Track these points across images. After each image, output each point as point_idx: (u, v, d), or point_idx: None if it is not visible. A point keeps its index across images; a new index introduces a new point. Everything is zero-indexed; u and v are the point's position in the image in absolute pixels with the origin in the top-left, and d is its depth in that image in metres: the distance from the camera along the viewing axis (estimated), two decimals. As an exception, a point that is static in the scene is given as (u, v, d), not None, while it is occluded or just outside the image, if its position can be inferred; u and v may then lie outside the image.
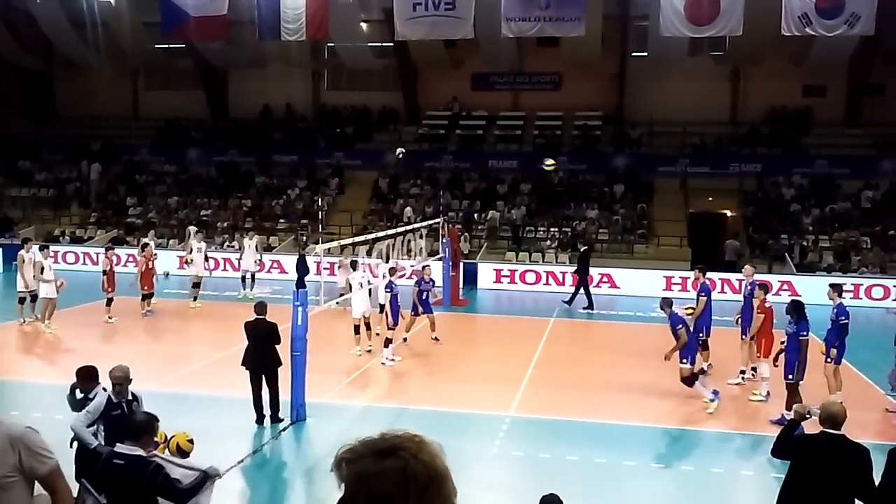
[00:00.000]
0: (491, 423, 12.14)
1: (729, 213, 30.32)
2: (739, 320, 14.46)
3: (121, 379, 7.65)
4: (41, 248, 18.58)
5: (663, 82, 31.89)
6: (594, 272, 25.58)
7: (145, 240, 22.50)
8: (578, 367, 15.80)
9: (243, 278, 22.67)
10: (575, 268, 22.89)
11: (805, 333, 11.80)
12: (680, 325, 12.80)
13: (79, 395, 8.02)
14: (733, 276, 22.64)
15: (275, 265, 26.32)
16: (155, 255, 20.89)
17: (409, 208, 29.90)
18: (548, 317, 21.11)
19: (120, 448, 6.18)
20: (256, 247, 23.00)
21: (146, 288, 19.58)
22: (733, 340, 14.70)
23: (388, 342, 15.43)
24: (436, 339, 17.10)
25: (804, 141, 31.62)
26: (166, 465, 6.23)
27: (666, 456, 11.38)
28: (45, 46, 35.00)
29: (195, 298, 21.06)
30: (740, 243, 27.80)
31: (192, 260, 21.49)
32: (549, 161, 17.19)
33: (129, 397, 7.71)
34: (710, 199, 30.06)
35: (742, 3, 24.34)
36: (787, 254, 26.89)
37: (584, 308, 21.71)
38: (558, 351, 17.47)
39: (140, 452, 6.10)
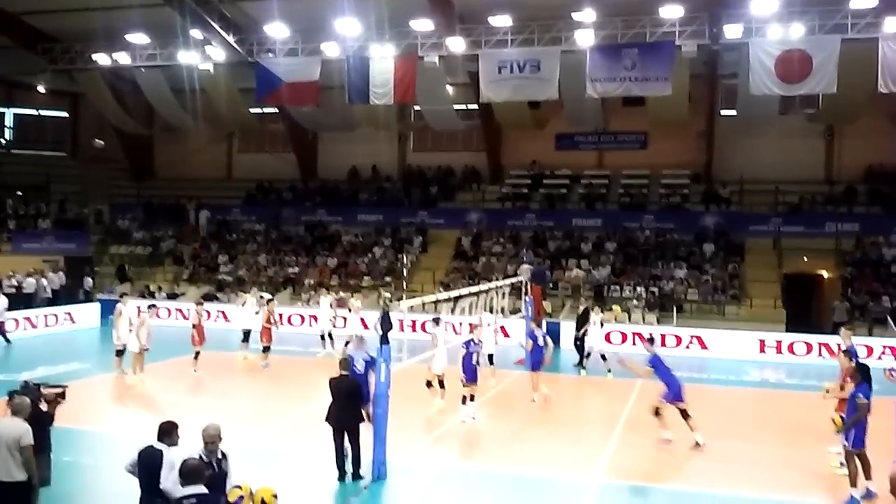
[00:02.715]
0: (577, 487, 11.75)
1: (826, 274, 29.17)
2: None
3: (213, 437, 7.67)
4: (149, 307, 19.31)
5: (754, 140, 31.31)
6: (684, 332, 24.94)
7: (267, 295, 22.95)
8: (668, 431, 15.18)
9: (322, 337, 22.74)
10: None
11: (862, 396, 11.02)
12: (651, 366, 14.10)
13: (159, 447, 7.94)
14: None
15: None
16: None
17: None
18: (634, 378, 20.49)
19: (186, 490, 6.80)
20: (331, 304, 23.03)
21: (265, 341, 20.32)
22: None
23: (464, 399, 15.27)
24: (533, 399, 16.81)
25: (905, 199, 30.35)
26: None
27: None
28: (148, 112, 36.88)
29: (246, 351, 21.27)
30: (840, 303, 26.60)
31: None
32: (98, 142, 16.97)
33: (220, 455, 7.70)
34: (805, 258, 29.02)
35: (836, 60, 23.80)
36: (888, 316, 25.58)
37: (575, 364, 21.42)
38: (646, 414, 16.88)
39: (205, 491, 6.78)
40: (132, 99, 35.58)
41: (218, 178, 39.34)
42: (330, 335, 22.72)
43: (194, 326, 19.50)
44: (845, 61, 23.79)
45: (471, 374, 15.31)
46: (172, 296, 31.57)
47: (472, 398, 15.37)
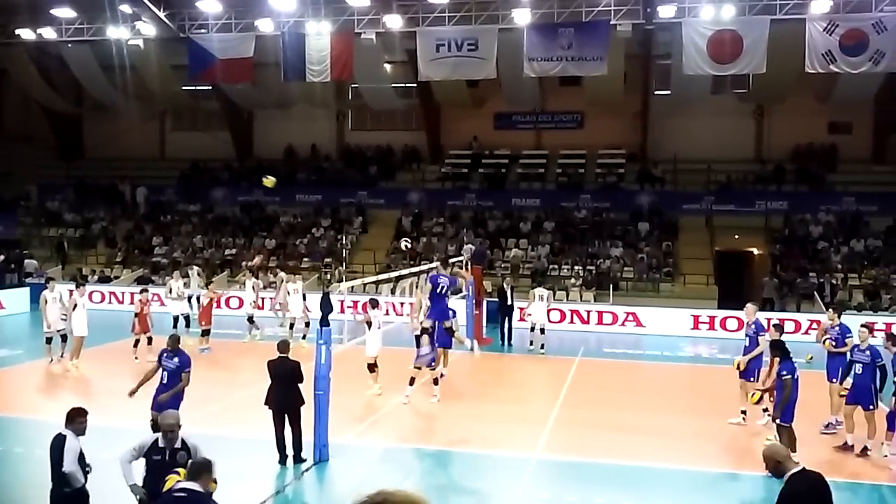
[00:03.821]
0: (516, 464, 11.92)
1: (756, 251, 30.01)
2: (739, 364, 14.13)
3: (170, 426, 7.74)
4: (77, 286, 18.66)
5: (687, 120, 31.88)
6: (620, 310, 25.45)
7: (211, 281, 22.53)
8: (605, 407, 15.54)
9: (249, 319, 22.01)
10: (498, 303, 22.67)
11: (786, 373, 11.42)
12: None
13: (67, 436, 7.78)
14: (772, 315, 22.29)
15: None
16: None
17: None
18: (573, 356, 20.90)
19: (184, 483, 6.55)
20: (254, 287, 22.17)
21: (204, 324, 20.19)
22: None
23: (412, 381, 15.33)
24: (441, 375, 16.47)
25: (830, 178, 31.36)
26: None
27: (695, 500, 11.08)
28: (76, 89, 35.71)
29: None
30: (769, 280, 27.42)
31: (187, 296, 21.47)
32: (269, 180, 17.37)
33: (178, 446, 7.69)
34: (737, 236, 29.80)
35: (765, 41, 24.33)
36: (815, 292, 26.48)
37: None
38: (585, 391, 17.23)
39: (202, 490, 6.49)
40: (59, 76, 34.33)
41: (150, 157, 38.34)
42: (251, 319, 21.94)
43: (136, 315, 19.00)
44: (774, 42, 24.36)
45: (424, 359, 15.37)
46: (105, 279, 30.80)
47: (434, 381, 15.50)
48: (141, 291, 19.77)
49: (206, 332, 20.34)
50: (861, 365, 12.38)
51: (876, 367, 12.29)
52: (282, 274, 22.95)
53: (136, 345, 18.80)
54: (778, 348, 11.72)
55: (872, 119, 31.21)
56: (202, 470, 6.61)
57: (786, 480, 6.19)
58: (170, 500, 6.55)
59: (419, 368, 15.06)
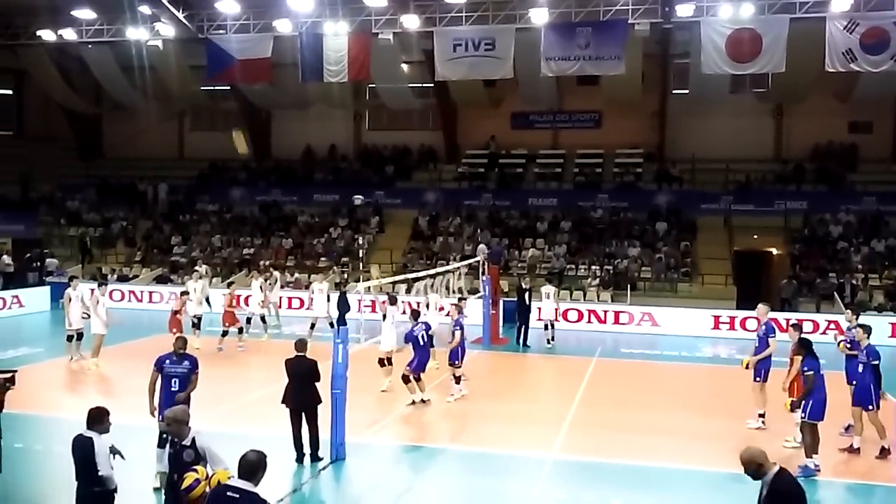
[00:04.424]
0: (533, 464, 11.89)
1: (775, 251, 29.80)
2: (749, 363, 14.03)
3: (169, 420, 7.69)
4: (99, 285, 18.76)
5: (705, 119, 31.72)
6: (636, 310, 25.35)
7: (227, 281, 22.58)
8: (622, 407, 15.48)
9: (262, 319, 21.93)
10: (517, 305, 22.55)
11: (807, 369, 11.34)
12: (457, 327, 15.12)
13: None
14: (791, 315, 22.19)
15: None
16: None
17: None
18: (590, 356, 20.84)
19: (235, 482, 6.34)
20: (261, 286, 22.11)
21: (227, 324, 20.26)
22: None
23: (457, 379, 15.47)
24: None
25: (851, 178, 31.09)
26: None
27: (710, 500, 11.01)
28: (95, 90, 36.02)
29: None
30: (787, 281, 27.21)
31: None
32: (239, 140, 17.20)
33: (187, 443, 7.55)
34: (756, 236, 29.60)
35: (785, 39, 24.16)
36: (835, 292, 26.24)
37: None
38: (601, 391, 17.18)
39: (255, 490, 6.28)
40: (79, 76, 34.66)
41: (169, 157, 38.62)
42: (263, 318, 21.94)
43: (175, 313, 19.05)
44: (794, 41, 24.17)
45: (454, 355, 15.45)
46: (124, 278, 31.05)
47: (457, 379, 15.52)
48: (182, 294, 19.90)
49: (226, 333, 20.35)
50: (862, 365, 12.30)
51: (871, 366, 12.20)
52: (276, 273, 22.98)
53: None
54: (802, 346, 11.63)
55: (893, 118, 30.92)
56: (256, 468, 6.33)
57: (769, 481, 6.36)
58: (222, 500, 6.30)
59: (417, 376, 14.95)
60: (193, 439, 7.61)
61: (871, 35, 23.64)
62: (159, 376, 10.56)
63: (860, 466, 12.03)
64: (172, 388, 10.47)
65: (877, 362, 12.23)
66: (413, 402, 14.75)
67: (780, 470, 6.40)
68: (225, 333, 20.37)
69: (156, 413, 10.41)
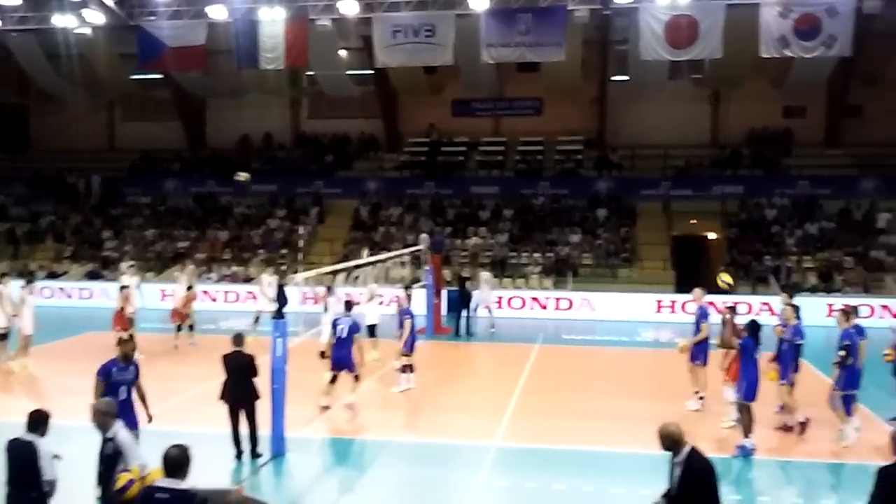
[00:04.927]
0: (476, 453, 11.78)
1: (713, 236, 30.26)
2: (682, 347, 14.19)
3: (94, 412, 7.49)
4: (27, 283, 17.92)
5: (644, 106, 31.99)
6: (576, 296, 25.47)
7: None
8: (564, 393, 15.51)
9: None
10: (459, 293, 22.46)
11: (747, 349, 11.53)
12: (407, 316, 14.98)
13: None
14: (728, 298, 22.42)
15: (250, 296, 25.43)
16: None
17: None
18: (533, 343, 20.84)
19: (163, 482, 6.15)
20: (187, 277, 21.14)
21: (178, 320, 19.50)
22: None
23: (407, 369, 15.19)
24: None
25: (785, 162, 31.72)
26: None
27: (654, 483, 11.00)
28: (21, 79, 34.63)
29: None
30: (724, 265, 27.64)
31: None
32: (243, 175, 17.07)
33: (109, 436, 7.38)
34: (693, 221, 30.00)
35: (721, 25, 24.47)
36: (771, 275, 26.76)
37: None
38: (543, 378, 17.17)
39: (185, 486, 6.11)
40: (3, 65, 33.22)
41: (100, 148, 37.41)
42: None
43: (121, 310, 18.08)
44: (730, 27, 24.49)
45: (408, 345, 15.14)
46: (53, 274, 30.00)
47: (409, 368, 15.22)
48: (122, 288, 18.88)
49: (180, 328, 19.59)
50: (787, 343, 12.58)
51: (795, 345, 12.49)
52: (190, 267, 22.22)
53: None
54: (749, 326, 11.72)
55: (826, 103, 31.60)
56: (180, 463, 6.14)
57: (683, 460, 6.52)
58: (151, 502, 6.07)
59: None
60: (114, 436, 7.40)
61: (804, 21, 24.11)
62: (104, 386, 9.58)
63: (796, 444, 12.20)
64: (121, 397, 9.50)
65: (801, 342, 12.46)
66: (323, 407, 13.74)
67: (692, 449, 6.54)
68: (179, 328, 19.55)
69: None
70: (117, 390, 9.62)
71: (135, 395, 9.96)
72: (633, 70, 29.19)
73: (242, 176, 17.24)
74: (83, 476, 9.01)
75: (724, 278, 14.92)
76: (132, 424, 9.37)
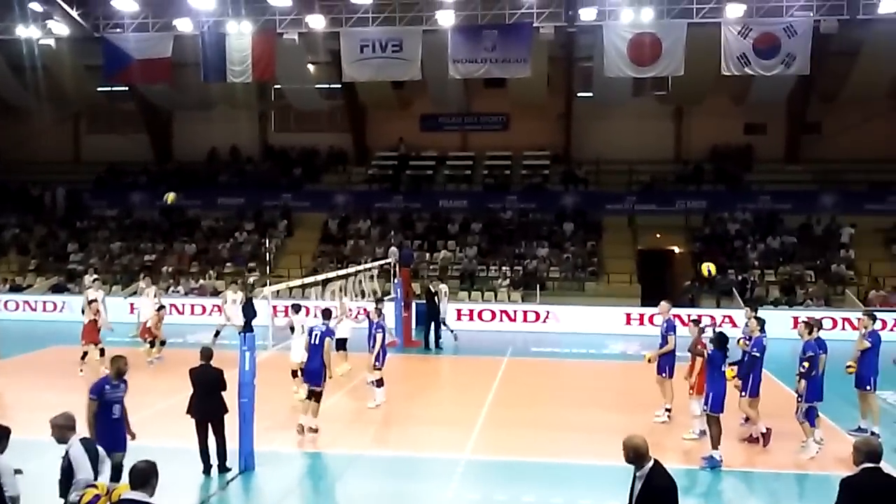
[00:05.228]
0: (446, 466, 11.85)
1: (677, 250, 30.71)
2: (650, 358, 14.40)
3: (51, 425, 7.46)
4: None
5: (609, 122, 32.45)
6: (543, 309, 25.68)
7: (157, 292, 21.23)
8: (533, 406, 15.62)
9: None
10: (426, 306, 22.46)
11: (715, 362, 11.82)
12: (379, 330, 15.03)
13: None
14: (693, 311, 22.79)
15: (217, 309, 25.13)
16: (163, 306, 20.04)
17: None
18: (502, 356, 20.97)
19: (130, 495, 6.18)
20: (155, 294, 20.89)
21: (149, 337, 19.27)
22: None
23: (380, 383, 15.10)
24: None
25: (747, 177, 32.35)
26: None
27: (621, 495, 11.14)
28: (-17, 90, 34.13)
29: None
30: (689, 280, 28.06)
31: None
32: (171, 195, 17.36)
33: (67, 448, 7.38)
34: (658, 235, 30.44)
35: (683, 44, 24.95)
36: (734, 289, 27.21)
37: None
38: (512, 390, 17.29)
39: (150, 500, 6.15)
40: (-36, 76, 32.82)
41: (65, 160, 36.98)
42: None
43: (93, 322, 17.78)
44: (692, 45, 24.99)
45: (379, 359, 15.06)
46: (17, 288, 29.55)
47: (380, 382, 15.15)
48: (90, 302, 18.55)
49: (153, 343, 19.36)
50: (748, 355, 12.83)
51: (752, 357, 12.75)
52: (145, 281, 21.97)
53: (83, 357, 17.56)
54: (716, 339, 11.94)
55: (785, 120, 32.31)
56: (148, 476, 6.16)
57: (645, 475, 6.42)
58: None
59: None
60: (70, 448, 7.40)
61: (763, 40, 24.67)
62: (96, 405, 9.23)
63: (760, 456, 12.43)
64: (114, 416, 9.30)
65: (757, 354, 12.74)
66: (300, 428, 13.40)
67: (655, 463, 6.45)
68: (152, 344, 19.31)
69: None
70: (111, 409, 9.35)
71: None
72: (597, 87, 29.63)
73: (171, 196, 17.20)
74: (47, 491, 8.98)
75: (709, 267, 15.28)
76: (123, 444, 9.31)
